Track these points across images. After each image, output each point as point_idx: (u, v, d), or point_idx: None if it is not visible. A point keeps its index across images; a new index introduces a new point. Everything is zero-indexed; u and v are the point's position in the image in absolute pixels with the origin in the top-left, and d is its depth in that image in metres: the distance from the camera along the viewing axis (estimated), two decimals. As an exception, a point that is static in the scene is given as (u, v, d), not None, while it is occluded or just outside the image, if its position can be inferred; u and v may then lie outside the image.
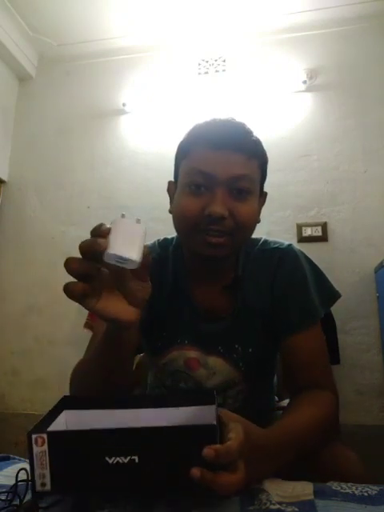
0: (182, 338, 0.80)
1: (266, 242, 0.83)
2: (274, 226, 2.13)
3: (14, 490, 0.50)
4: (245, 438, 0.46)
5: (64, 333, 2.18)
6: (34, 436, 0.43)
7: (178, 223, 0.74)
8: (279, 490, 0.51)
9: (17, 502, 0.48)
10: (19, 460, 0.69)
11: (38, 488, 0.42)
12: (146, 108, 2.42)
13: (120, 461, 0.42)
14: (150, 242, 0.88)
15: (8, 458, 0.68)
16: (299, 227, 2.11)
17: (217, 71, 2.40)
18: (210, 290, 0.80)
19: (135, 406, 0.55)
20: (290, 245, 0.82)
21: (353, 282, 1.99)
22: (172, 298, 0.81)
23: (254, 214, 0.74)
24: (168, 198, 0.81)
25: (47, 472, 0.42)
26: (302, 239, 2.08)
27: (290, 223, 2.13)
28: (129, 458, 0.42)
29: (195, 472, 0.42)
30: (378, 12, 2.24)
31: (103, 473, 0.42)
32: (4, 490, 0.51)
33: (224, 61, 2.41)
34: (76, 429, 0.47)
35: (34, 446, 0.42)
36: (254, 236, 0.84)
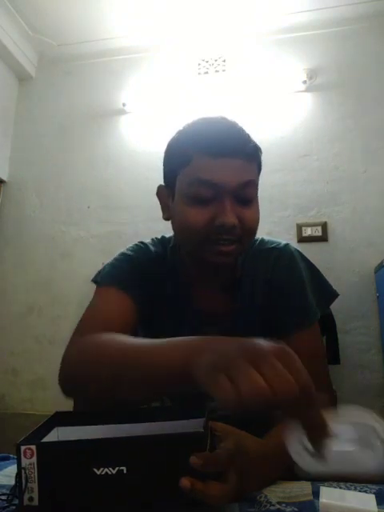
0: None
1: (262, 241, 0.83)
2: (274, 226, 2.13)
3: (13, 490, 0.49)
4: (237, 448, 0.45)
5: (64, 333, 2.16)
6: (22, 447, 0.42)
7: (185, 235, 0.72)
8: (279, 491, 0.51)
9: (16, 502, 0.48)
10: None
11: (26, 502, 0.41)
12: (145, 108, 2.41)
13: (108, 472, 0.41)
14: (146, 240, 0.87)
15: (8, 458, 0.68)
16: (299, 227, 2.11)
17: (217, 71, 2.40)
18: (209, 292, 0.80)
19: (126, 421, 0.53)
20: (286, 244, 0.81)
21: (353, 282, 1.99)
22: (172, 300, 0.80)
23: (258, 219, 0.74)
24: (160, 205, 0.79)
25: (35, 486, 0.41)
26: (302, 239, 2.08)
27: (290, 223, 2.13)
28: (117, 468, 0.41)
29: (185, 482, 0.41)
30: (377, 12, 2.24)
31: (91, 485, 0.41)
32: (4, 490, 0.51)
33: (224, 61, 2.41)
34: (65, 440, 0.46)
35: (22, 457, 0.42)
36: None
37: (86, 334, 0.67)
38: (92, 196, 2.40)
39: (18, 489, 0.42)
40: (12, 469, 0.61)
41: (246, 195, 0.69)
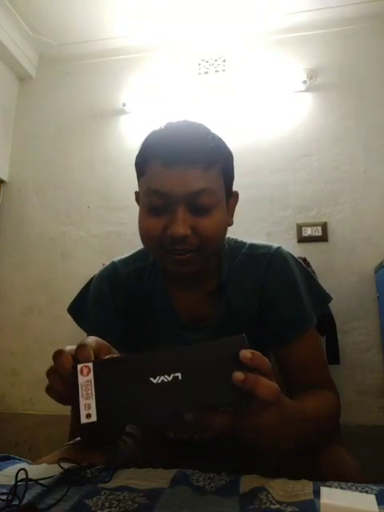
0: None
1: (252, 246, 0.81)
2: (274, 226, 2.13)
3: (13, 490, 0.49)
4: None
5: (64, 333, 2.18)
6: (79, 366, 0.43)
7: (144, 243, 0.73)
8: (279, 490, 0.51)
9: (16, 502, 0.48)
10: (19, 460, 0.69)
11: (83, 420, 0.42)
12: (146, 108, 2.42)
13: (164, 379, 0.43)
14: (133, 251, 0.87)
15: (8, 458, 0.68)
16: (299, 227, 2.11)
17: (217, 71, 2.40)
18: (194, 297, 0.78)
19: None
20: (278, 248, 0.79)
21: (353, 282, 1.99)
22: (152, 311, 0.80)
23: (220, 225, 0.70)
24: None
25: (93, 402, 0.42)
26: (302, 239, 2.08)
27: (290, 223, 2.13)
28: (172, 375, 0.43)
29: (238, 374, 0.43)
30: (378, 12, 2.24)
31: (149, 394, 0.43)
32: (4, 490, 0.51)
33: (224, 61, 2.41)
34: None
35: (79, 375, 0.43)
36: (256, 238, 0.83)
37: None
38: (92, 196, 2.40)
39: (74, 408, 0.42)
40: (12, 469, 0.61)
41: (200, 204, 0.66)
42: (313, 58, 2.29)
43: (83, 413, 0.42)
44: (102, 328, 0.79)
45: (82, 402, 0.42)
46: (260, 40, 2.38)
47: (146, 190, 0.70)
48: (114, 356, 0.51)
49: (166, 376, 0.43)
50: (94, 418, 0.42)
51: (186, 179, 0.65)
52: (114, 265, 0.85)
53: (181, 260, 0.68)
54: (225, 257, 0.79)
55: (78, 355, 0.47)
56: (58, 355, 0.49)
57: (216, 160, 0.68)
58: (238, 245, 0.81)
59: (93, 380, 0.43)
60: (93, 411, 0.42)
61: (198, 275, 0.75)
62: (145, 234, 0.70)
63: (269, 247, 0.79)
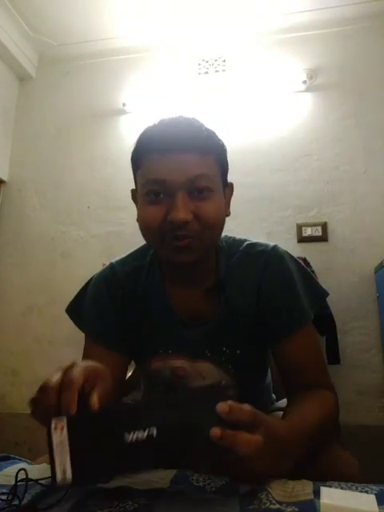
0: (166, 348, 0.79)
1: (250, 244, 0.81)
2: (274, 226, 2.13)
3: (13, 490, 0.49)
4: (267, 433, 0.46)
5: (64, 333, 2.17)
6: (53, 422, 0.42)
7: (144, 234, 0.73)
8: (279, 490, 0.51)
9: (16, 502, 0.48)
10: (19, 460, 0.69)
11: (59, 479, 0.41)
12: (146, 108, 2.41)
13: (139, 435, 0.42)
14: (131, 249, 0.87)
15: (8, 458, 0.68)
16: (299, 227, 2.11)
17: (217, 71, 2.40)
18: (192, 295, 0.79)
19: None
20: (275, 246, 0.80)
21: (353, 282, 1.98)
22: (149, 309, 0.80)
23: (220, 211, 0.71)
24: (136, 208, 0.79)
25: (67, 461, 0.41)
26: (302, 239, 2.08)
27: (290, 223, 2.13)
28: (147, 431, 0.42)
29: (215, 431, 0.41)
30: (378, 12, 2.24)
31: (123, 453, 0.42)
32: (4, 490, 0.51)
33: (224, 61, 2.41)
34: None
35: (53, 433, 0.42)
36: (254, 236, 0.83)
37: None
38: (92, 196, 2.40)
39: (50, 466, 0.41)
40: (12, 469, 0.61)
41: (199, 188, 0.67)
42: (313, 58, 2.29)
43: (59, 472, 0.41)
44: (101, 328, 0.79)
45: (57, 460, 0.41)
46: (260, 40, 2.38)
47: (144, 181, 0.70)
48: (94, 408, 0.47)
49: (140, 432, 0.42)
50: (68, 478, 0.41)
51: (183, 165, 0.66)
52: (111, 265, 0.85)
53: (182, 246, 0.67)
54: (222, 254, 0.79)
55: (63, 398, 0.46)
56: (43, 392, 0.48)
57: (211, 148, 0.70)
58: (236, 242, 0.82)
59: (67, 437, 0.41)
60: (68, 471, 0.41)
61: (196, 272, 0.76)
62: (145, 225, 0.70)
63: (266, 245, 0.80)
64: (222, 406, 0.42)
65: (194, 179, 0.66)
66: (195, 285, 0.78)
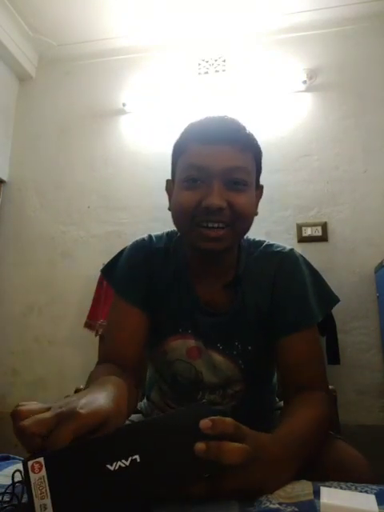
0: (185, 328, 0.81)
1: (269, 245, 0.84)
2: (274, 226, 2.13)
3: (11, 490, 0.49)
4: (255, 449, 0.46)
5: (64, 333, 2.18)
6: (29, 463, 0.40)
7: (176, 218, 0.75)
8: (279, 490, 0.51)
9: (15, 502, 0.48)
10: (19, 460, 0.69)
11: None
12: (145, 108, 2.42)
13: (122, 464, 0.40)
14: (159, 232, 0.89)
15: (8, 458, 0.68)
16: (299, 227, 2.11)
17: (217, 71, 2.40)
18: (211, 287, 0.81)
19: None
20: (291, 249, 0.83)
21: (353, 282, 1.99)
22: (174, 287, 0.82)
23: (252, 205, 0.74)
24: (167, 198, 0.82)
25: (48, 502, 0.39)
26: (302, 239, 2.08)
27: (290, 223, 2.13)
28: (130, 458, 0.40)
29: (200, 446, 0.41)
30: (378, 12, 2.25)
31: (107, 485, 0.40)
32: (3, 490, 0.51)
33: (224, 61, 2.41)
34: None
35: (31, 474, 0.39)
36: (256, 238, 0.85)
37: (107, 357, 0.78)
38: (92, 196, 2.40)
39: (28, 502, 0.39)
40: (12, 469, 0.61)
41: (235, 179, 0.70)
42: (313, 58, 2.30)
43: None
44: (131, 287, 0.82)
45: (37, 502, 0.38)
46: (260, 40, 2.38)
47: (184, 165, 0.73)
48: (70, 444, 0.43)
49: (123, 461, 0.40)
50: None
51: (223, 155, 0.69)
52: (150, 237, 0.88)
53: (213, 236, 0.70)
54: (243, 252, 0.82)
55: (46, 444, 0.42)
56: (21, 433, 0.45)
57: (251, 146, 0.74)
58: (256, 243, 0.85)
59: (45, 476, 0.39)
60: (49, 509, 0.38)
61: (218, 264, 0.79)
62: (179, 208, 0.73)
63: (283, 247, 0.83)
64: (205, 422, 0.42)
65: (231, 170, 0.69)
66: (214, 278, 0.81)
